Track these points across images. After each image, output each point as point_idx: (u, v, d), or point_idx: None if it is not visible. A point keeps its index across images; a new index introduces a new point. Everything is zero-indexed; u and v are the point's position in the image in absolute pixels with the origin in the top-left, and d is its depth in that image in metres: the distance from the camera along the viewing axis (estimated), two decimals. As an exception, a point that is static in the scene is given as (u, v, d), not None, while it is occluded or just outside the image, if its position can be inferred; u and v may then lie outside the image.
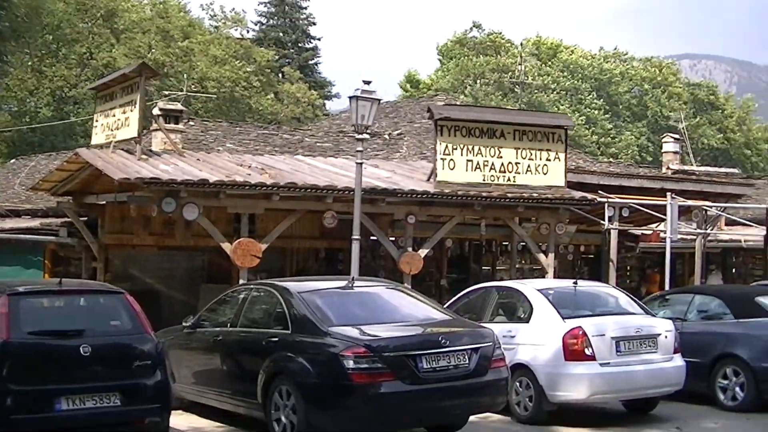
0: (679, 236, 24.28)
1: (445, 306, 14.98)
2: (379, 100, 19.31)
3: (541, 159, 21.48)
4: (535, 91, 69.92)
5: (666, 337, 14.30)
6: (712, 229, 27.97)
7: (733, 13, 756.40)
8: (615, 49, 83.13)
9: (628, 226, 26.53)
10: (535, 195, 21.25)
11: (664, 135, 46.56)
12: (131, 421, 11.19)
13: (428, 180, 21.00)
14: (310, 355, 11.72)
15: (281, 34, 69.39)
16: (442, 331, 12.26)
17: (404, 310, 13.16)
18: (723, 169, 46.12)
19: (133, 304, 11.70)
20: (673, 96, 76.69)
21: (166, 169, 18.61)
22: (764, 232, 29.20)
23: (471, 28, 75.77)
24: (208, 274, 23.23)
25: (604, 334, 13.68)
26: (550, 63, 74.02)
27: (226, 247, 18.49)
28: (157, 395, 11.30)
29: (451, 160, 20.68)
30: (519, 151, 21.33)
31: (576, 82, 72.81)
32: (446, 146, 20.69)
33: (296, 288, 13.02)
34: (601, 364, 13.54)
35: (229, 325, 13.72)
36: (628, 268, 32.03)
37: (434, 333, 12.25)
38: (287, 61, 67.19)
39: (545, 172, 21.51)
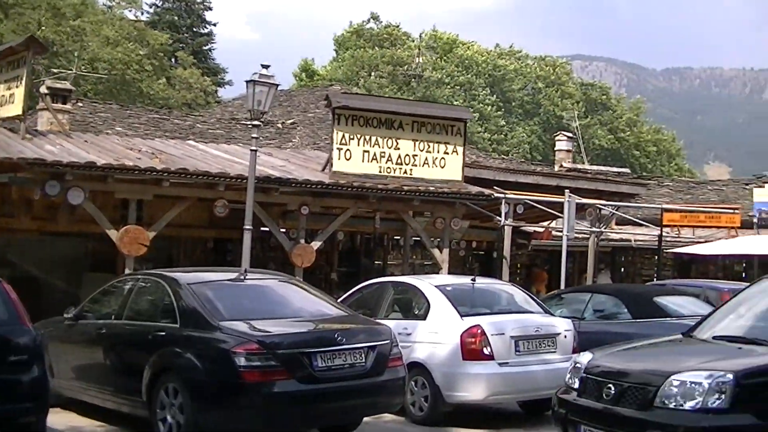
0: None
1: (338, 301, 14.48)
2: (277, 85, 18.76)
3: (439, 152, 21.16)
4: (430, 85, 69.84)
5: (565, 336, 14.04)
6: (605, 228, 28.02)
7: (624, 17, 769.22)
8: (510, 46, 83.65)
9: (522, 223, 26.43)
10: (431, 188, 20.93)
11: (558, 133, 46.97)
12: (3, 421, 10.43)
13: (323, 170, 20.56)
14: (199, 350, 11.11)
15: (176, 18, 68.10)
16: (337, 328, 11.78)
17: (298, 305, 12.65)
18: (615, 169, 46.65)
19: (9, 293, 10.90)
20: (566, 95, 77.34)
21: (51, 150, 17.84)
22: (655, 232, 29.46)
23: (369, 20, 75.56)
24: (92, 262, 22.36)
25: (503, 333, 13.32)
26: (446, 58, 74.02)
27: (113, 234, 17.81)
28: (33, 393, 10.51)
29: (348, 150, 20.24)
30: (417, 143, 20.99)
31: (471, 77, 72.93)
32: (343, 136, 20.25)
33: (185, 279, 12.39)
34: (499, 364, 13.17)
35: (113, 317, 13.02)
36: (519, 265, 32.05)
37: (330, 330, 11.77)
38: (181, 45, 65.94)
39: (443, 165, 21.20)
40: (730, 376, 8.58)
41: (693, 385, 8.68)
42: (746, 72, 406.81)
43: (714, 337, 10.32)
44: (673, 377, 8.81)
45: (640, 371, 9.43)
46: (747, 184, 39.33)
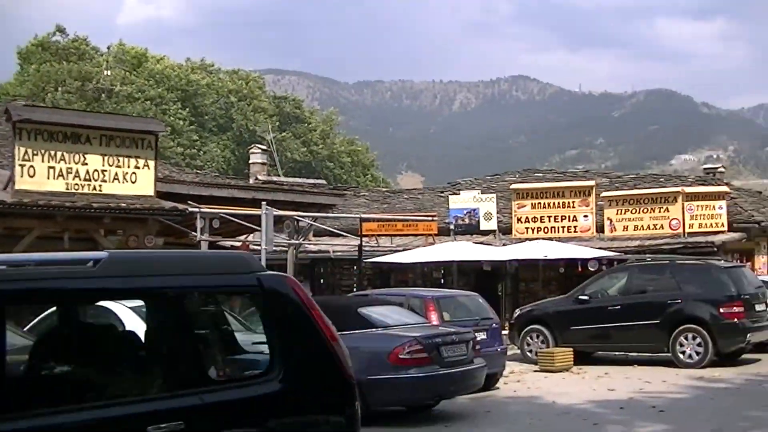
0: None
1: (25, 330, 13.30)
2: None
3: (129, 166, 20.20)
4: (121, 100, 67.99)
5: (269, 354, 13.41)
6: (304, 240, 27.77)
7: (316, 31, 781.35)
8: (202, 60, 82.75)
9: (218, 238, 25.82)
10: (123, 205, 19.94)
11: (252, 146, 46.76)
12: None
13: (5, 189, 19.24)
14: None
15: None
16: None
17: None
18: (310, 180, 46.85)
19: None
20: (258, 109, 77.19)
21: None
22: (354, 243, 29.50)
23: (54, 32, 72.81)
24: None
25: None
26: (135, 72, 72.35)
27: None
28: None
29: (32, 166, 18.99)
30: (106, 157, 19.95)
31: (162, 91, 71.58)
32: (26, 151, 18.99)
33: None
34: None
35: None
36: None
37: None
38: None
39: (134, 180, 20.26)
40: None
41: None
42: (436, 84, 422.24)
43: None
44: None
45: None
46: (442, 192, 40.28)
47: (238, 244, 28.57)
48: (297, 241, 26.14)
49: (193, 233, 22.44)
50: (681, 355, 22.07)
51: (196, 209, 22.10)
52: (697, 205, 32.97)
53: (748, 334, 22.19)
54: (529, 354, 23.67)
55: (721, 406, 16.46)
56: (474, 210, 35.17)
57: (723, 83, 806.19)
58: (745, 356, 22.98)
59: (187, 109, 72.90)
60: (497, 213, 35.37)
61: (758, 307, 22.89)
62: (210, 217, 22.49)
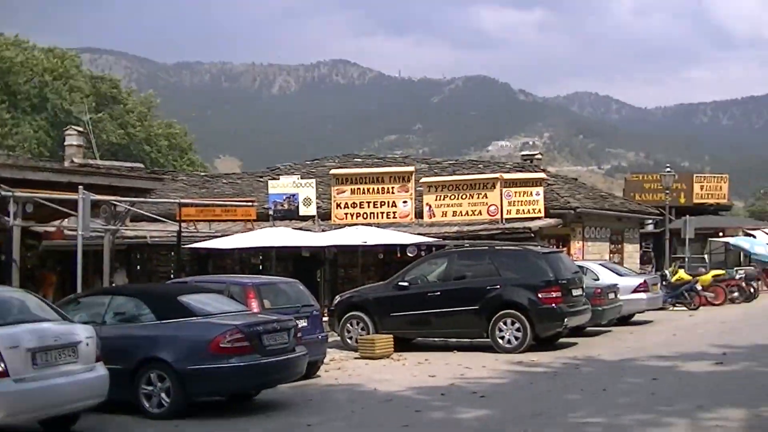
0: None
1: None
2: None
3: (-63, 148, 19.37)
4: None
5: (87, 344, 13.04)
6: (121, 225, 27.16)
7: (134, 9, 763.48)
8: (16, 36, 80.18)
9: (32, 223, 25.07)
10: (-71, 188, 19.12)
11: (67, 128, 45.59)
12: None
13: None
14: None
15: None
16: None
17: None
18: (128, 164, 46.02)
19: None
20: (75, 89, 75.27)
21: None
22: (171, 228, 29.05)
23: None
24: None
25: (18, 346, 12.04)
26: (-56, 48, 69.63)
27: None
28: None
29: None
30: None
31: (-27, 69, 69.07)
32: None
33: None
34: (15, 381, 11.84)
35: None
36: (29, 268, 30.55)
37: None
38: None
39: (-58, 163, 19.41)
40: None
41: None
42: (256, 67, 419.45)
43: None
44: None
45: None
46: (261, 177, 40.07)
47: (53, 229, 27.81)
48: (114, 227, 25.51)
49: (6, 218, 21.68)
50: (500, 341, 22.41)
51: (9, 193, 21.34)
52: (515, 192, 33.59)
53: (566, 319, 22.75)
54: (349, 341, 23.67)
55: (540, 390, 16.80)
56: (293, 195, 35.00)
57: (540, 71, 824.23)
58: (562, 340, 23.54)
59: (-1, 88, 70.54)
60: (317, 198, 35.32)
61: (575, 292, 23.48)
62: (23, 201, 21.75)
